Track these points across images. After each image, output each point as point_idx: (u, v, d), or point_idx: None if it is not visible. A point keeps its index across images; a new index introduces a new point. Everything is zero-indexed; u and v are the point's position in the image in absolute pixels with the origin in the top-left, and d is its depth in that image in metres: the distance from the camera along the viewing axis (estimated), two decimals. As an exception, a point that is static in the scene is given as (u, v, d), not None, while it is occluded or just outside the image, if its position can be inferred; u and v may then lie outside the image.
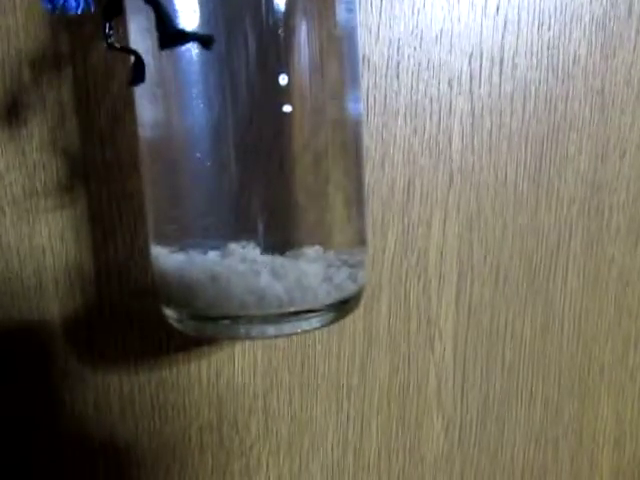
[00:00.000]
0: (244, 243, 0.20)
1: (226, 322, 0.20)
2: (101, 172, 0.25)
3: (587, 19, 0.30)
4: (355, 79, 0.22)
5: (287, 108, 0.19)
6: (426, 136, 0.28)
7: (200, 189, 0.20)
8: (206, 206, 0.20)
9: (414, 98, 0.28)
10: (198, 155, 0.20)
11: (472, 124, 0.29)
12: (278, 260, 0.20)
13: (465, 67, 0.28)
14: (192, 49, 0.19)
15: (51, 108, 0.24)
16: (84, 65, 0.24)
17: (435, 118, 0.28)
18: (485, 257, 0.31)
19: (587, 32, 0.30)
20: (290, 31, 0.19)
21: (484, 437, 0.33)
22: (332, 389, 0.30)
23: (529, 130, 0.30)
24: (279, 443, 0.29)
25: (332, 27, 0.20)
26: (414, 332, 0.30)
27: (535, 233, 0.31)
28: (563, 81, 0.30)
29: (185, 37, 0.18)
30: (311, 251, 0.21)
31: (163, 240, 0.21)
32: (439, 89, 0.28)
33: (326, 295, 0.21)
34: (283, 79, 0.19)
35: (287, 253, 0.20)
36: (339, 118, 0.21)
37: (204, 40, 0.18)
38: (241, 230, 0.20)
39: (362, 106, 0.23)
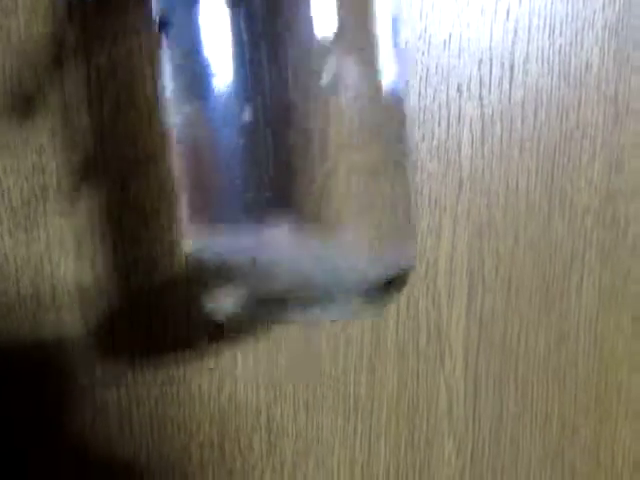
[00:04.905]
0: (285, 222, 0.19)
1: (270, 305, 0.20)
2: (102, 178, 0.25)
3: (600, 25, 0.29)
4: (394, 52, 0.21)
5: (327, 77, 0.18)
6: (435, 142, 0.28)
7: (237, 167, 0.19)
8: (244, 185, 0.19)
9: (422, 103, 0.27)
10: (233, 131, 0.19)
11: (482, 131, 0.28)
12: (322, 240, 0.19)
13: (475, 73, 0.28)
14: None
15: (52, 111, 0.24)
16: (87, 66, 0.24)
17: (444, 124, 0.28)
18: (497, 268, 0.30)
19: (600, 39, 0.29)
20: None
21: (498, 458, 0.32)
22: (338, 405, 0.29)
23: (541, 137, 0.29)
24: (283, 462, 0.29)
25: None
26: (423, 346, 0.29)
27: (548, 243, 0.30)
28: (575, 88, 0.29)
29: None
30: (356, 230, 0.20)
31: (198, 226, 0.21)
32: (448, 95, 0.27)
33: (374, 275, 0.20)
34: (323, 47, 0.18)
35: (330, 233, 0.19)
36: (379, 92, 0.20)
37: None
38: (281, 210, 0.19)
39: (404, 83, 0.22)
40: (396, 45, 0.21)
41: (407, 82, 0.22)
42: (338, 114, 0.19)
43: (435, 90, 0.27)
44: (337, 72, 0.19)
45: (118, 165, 0.25)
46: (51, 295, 0.25)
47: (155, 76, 0.24)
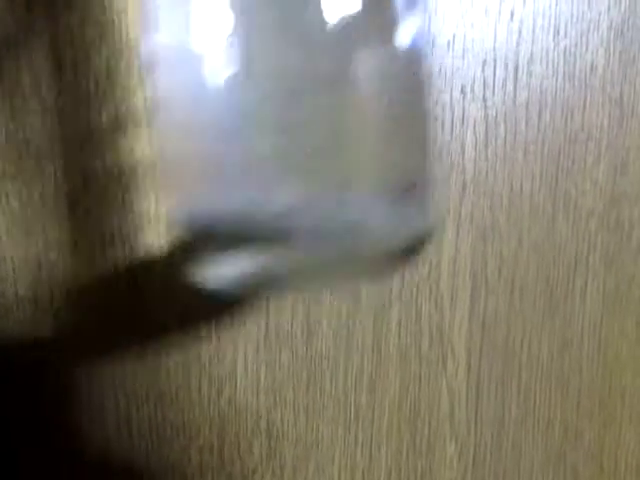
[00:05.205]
0: (292, 182, 0.18)
1: (277, 273, 0.18)
2: (100, 180, 0.24)
3: (605, 27, 0.29)
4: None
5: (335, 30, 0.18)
6: (438, 144, 0.28)
7: (237, 130, 0.18)
8: (250, 142, 0.18)
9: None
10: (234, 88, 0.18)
11: (486, 133, 0.28)
12: (335, 199, 0.18)
13: (478, 74, 0.27)
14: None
15: (50, 113, 0.24)
16: (87, 67, 0.24)
17: (447, 126, 0.27)
18: (500, 271, 0.30)
19: (605, 40, 0.29)
20: None
21: (500, 462, 0.32)
22: (339, 409, 0.29)
23: (545, 140, 0.29)
24: (283, 466, 0.28)
25: None
26: (425, 350, 0.29)
27: (552, 246, 0.30)
28: (580, 90, 0.29)
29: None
30: (369, 188, 0.19)
31: (193, 192, 0.20)
32: (451, 96, 0.27)
33: (392, 234, 0.19)
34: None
35: (344, 193, 0.19)
36: (394, 47, 0.19)
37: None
38: (288, 168, 0.18)
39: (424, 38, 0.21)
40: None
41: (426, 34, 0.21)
42: (349, 64, 0.18)
43: (439, 91, 0.27)
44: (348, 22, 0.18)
45: (117, 172, 0.24)
46: (49, 297, 0.25)
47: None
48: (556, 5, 0.28)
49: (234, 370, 0.27)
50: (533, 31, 0.28)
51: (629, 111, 0.30)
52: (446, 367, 0.30)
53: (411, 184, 0.20)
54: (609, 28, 0.29)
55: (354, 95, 0.19)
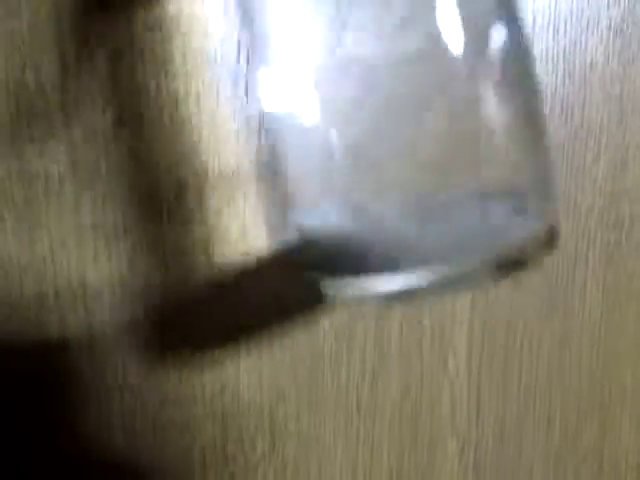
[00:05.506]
0: (388, 194, 0.18)
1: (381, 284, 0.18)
2: (104, 178, 0.25)
3: (604, 25, 0.29)
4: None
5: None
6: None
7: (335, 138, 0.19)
8: (344, 155, 0.18)
9: (426, 103, 0.27)
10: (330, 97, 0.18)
11: (486, 130, 0.28)
12: (431, 208, 0.18)
13: (478, 72, 0.28)
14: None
15: (54, 113, 0.24)
16: (90, 68, 0.24)
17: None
18: (501, 268, 0.30)
19: (604, 38, 0.29)
20: None
21: (500, 461, 0.32)
22: (341, 406, 0.29)
23: (545, 137, 0.29)
24: (285, 463, 0.28)
25: None
26: (427, 348, 0.29)
27: (553, 244, 0.30)
28: (580, 87, 0.29)
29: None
30: (470, 196, 0.18)
31: (301, 202, 0.20)
32: (452, 94, 0.27)
33: (511, 234, 0.19)
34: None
35: (441, 201, 0.18)
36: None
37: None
38: (383, 180, 0.18)
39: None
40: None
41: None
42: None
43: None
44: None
45: (122, 172, 0.25)
46: (54, 296, 0.25)
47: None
48: (555, 3, 0.28)
49: (237, 367, 0.27)
50: (532, 29, 0.28)
51: (629, 109, 0.30)
52: (447, 366, 0.30)
53: (536, 192, 0.20)
54: (608, 26, 0.29)
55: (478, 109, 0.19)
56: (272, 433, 0.28)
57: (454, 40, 0.18)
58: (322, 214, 0.20)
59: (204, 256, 0.25)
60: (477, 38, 0.18)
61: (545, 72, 0.28)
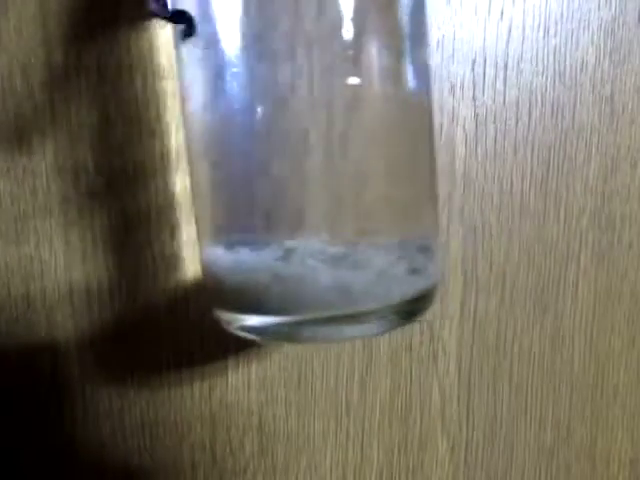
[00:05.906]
0: (311, 236, 0.18)
1: (296, 324, 0.19)
2: (92, 180, 0.24)
3: (595, 25, 0.29)
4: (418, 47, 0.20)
5: (352, 81, 0.18)
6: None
7: (261, 176, 0.19)
8: (269, 195, 0.18)
9: (415, 104, 0.27)
10: (256, 137, 0.18)
11: (476, 132, 0.28)
12: (352, 253, 0.18)
13: (468, 73, 0.27)
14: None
15: (42, 114, 0.24)
16: (77, 69, 0.24)
17: (437, 125, 0.27)
18: (490, 268, 0.30)
19: (595, 38, 0.29)
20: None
21: (492, 460, 0.32)
22: (330, 406, 0.29)
23: (535, 138, 0.29)
24: (275, 463, 0.28)
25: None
26: (416, 347, 0.29)
27: (543, 244, 0.30)
28: (571, 88, 0.29)
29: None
30: (386, 242, 0.19)
31: (219, 239, 0.20)
32: (442, 96, 0.27)
33: (410, 288, 0.19)
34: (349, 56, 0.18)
35: (359, 246, 0.18)
36: (403, 95, 0.19)
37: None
38: (308, 222, 0.18)
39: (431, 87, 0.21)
40: (419, 40, 0.20)
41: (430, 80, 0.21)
42: (363, 117, 0.18)
43: (428, 90, 0.27)
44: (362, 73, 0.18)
45: (109, 171, 0.24)
46: (42, 296, 0.25)
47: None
48: (546, 4, 0.28)
49: (225, 367, 0.27)
50: (523, 30, 0.28)
51: (619, 109, 0.30)
52: (437, 364, 0.30)
53: (428, 239, 0.20)
54: (599, 27, 0.29)
55: (367, 146, 0.19)
56: (261, 433, 0.28)
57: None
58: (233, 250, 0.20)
59: (191, 255, 0.25)
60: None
61: (535, 73, 0.28)
